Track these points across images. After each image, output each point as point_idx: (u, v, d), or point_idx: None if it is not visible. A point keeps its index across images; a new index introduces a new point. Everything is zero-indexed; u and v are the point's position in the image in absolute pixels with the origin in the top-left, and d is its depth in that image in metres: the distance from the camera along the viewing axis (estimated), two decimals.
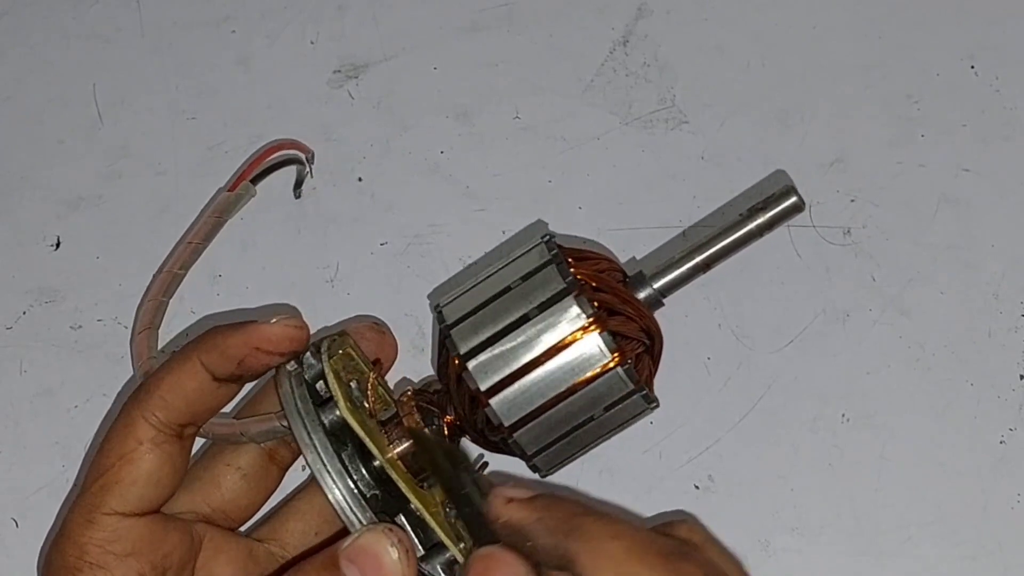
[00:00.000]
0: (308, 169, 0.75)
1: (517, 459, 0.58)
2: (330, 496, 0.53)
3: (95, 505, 0.54)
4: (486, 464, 0.60)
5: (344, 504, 0.53)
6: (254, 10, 0.81)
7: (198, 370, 0.55)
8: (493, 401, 0.54)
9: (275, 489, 0.61)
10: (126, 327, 0.74)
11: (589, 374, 0.54)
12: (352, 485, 0.53)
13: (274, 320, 0.55)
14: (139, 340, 0.67)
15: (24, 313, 0.74)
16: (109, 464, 0.55)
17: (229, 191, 0.72)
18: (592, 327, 0.54)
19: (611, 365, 0.54)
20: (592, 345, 0.54)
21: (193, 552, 0.57)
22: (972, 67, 0.77)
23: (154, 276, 0.70)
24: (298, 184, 0.75)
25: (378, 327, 0.62)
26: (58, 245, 0.76)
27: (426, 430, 0.57)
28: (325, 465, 0.53)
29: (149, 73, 0.80)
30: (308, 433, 0.53)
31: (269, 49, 0.80)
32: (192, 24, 0.81)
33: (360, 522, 0.53)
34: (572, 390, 0.54)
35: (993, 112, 0.76)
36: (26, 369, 0.73)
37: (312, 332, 0.57)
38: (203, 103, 0.79)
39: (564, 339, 0.54)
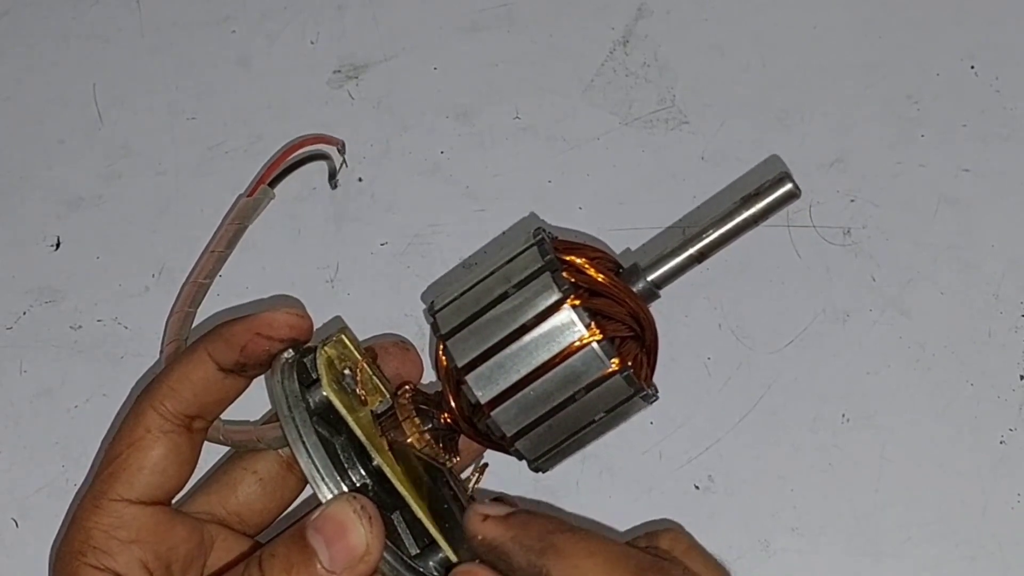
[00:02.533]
0: (343, 159, 0.75)
1: (520, 465, 0.57)
2: (305, 470, 0.53)
3: (102, 491, 0.55)
4: (486, 466, 0.60)
5: (316, 474, 0.53)
6: (254, 10, 0.81)
7: (205, 360, 0.56)
8: (494, 413, 0.54)
9: (292, 500, 0.61)
10: (126, 327, 0.74)
11: (563, 348, 0.53)
12: (328, 458, 0.53)
13: (277, 309, 0.56)
14: (168, 351, 0.67)
15: (24, 313, 0.74)
16: (118, 452, 0.56)
17: (248, 196, 0.72)
18: (566, 302, 0.53)
19: (586, 340, 0.53)
20: (566, 319, 0.53)
21: (203, 551, 0.57)
22: (972, 67, 0.77)
23: (181, 288, 0.71)
24: (332, 175, 0.75)
25: (403, 344, 0.62)
26: (58, 245, 0.76)
27: (415, 437, 0.56)
28: (301, 436, 0.53)
29: (149, 73, 0.80)
30: (289, 407, 0.54)
31: (269, 49, 0.80)
32: (192, 24, 0.81)
33: (330, 490, 0.53)
34: (548, 366, 0.53)
35: (993, 112, 0.76)
36: (26, 369, 0.73)
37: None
38: (203, 103, 0.79)
39: (538, 314, 0.53)
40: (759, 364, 0.71)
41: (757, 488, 0.69)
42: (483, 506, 0.53)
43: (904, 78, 0.77)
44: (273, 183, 0.73)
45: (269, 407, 0.66)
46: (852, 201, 0.74)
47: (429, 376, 0.68)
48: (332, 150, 0.75)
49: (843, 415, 0.70)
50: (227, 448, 0.61)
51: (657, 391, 0.56)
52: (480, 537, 0.52)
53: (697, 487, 0.69)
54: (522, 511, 0.53)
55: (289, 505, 0.62)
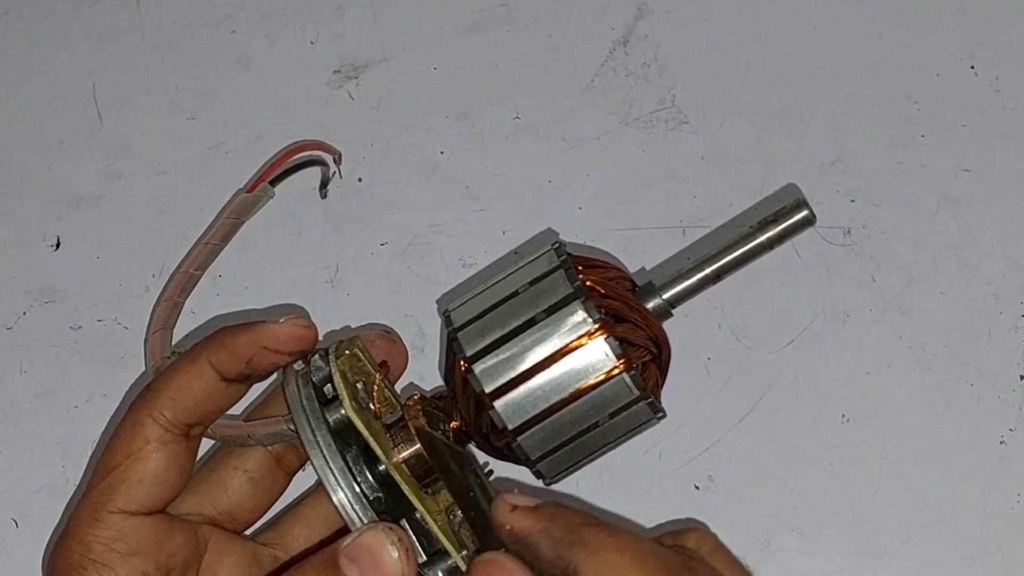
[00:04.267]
0: (337, 169, 0.75)
1: (523, 467, 0.58)
2: (332, 495, 0.53)
3: (101, 503, 0.54)
4: (491, 472, 0.60)
5: (346, 502, 0.53)
6: (254, 10, 0.81)
7: (207, 370, 0.55)
8: (497, 404, 0.54)
9: (281, 494, 0.61)
10: (126, 327, 0.74)
11: (594, 379, 0.54)
12: (355, 485, 0.53)
13: (282, 320, 0.55)
14: (153, 340, 0.67)
15: (24, 313, 0.74)
16: (116, 463, 0.55)
17: (248, 192, 0.72)
18: (598, 332, 0.54)
19: (617, 371, 0.54)
20: (598, 350, 0.54)
21: (198, 553, 0.57)
22: (972, 67, 0.77)
23: (170, 276, 0.70)
24: (323, 184, 0.75)
25: (388, 335, 0.62)
26: (58, 245, 0.76)
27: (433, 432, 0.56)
28: (328, 463, 0.53)
29: (149, 73, 0.80)
30: (312, 431, 0.53)
31: (269, 49, 0.80)
32: (192, 24, 0.81)
33: (361, 520, 0.52)
34: (577, 395, 0.54)
35: (993, 112, 0.76)
36: (26, 369, 0.73)
37: None
38: (203, 103, 0.79)
39: (570, 343, 0.54)
40: (759, 364, 0.71)
41: (757, 488, 0.69)
42: (512, 496, 0.52)
43: (904, 78, 0.77)
44: (273, 183, 0.73)
45: (255, 400, 0.66)
46: (852, 201, 0.74)
47: (426, 369, 0.68)
48: (328, 158, 0.75)
49: (843, 415, 0.70)
50: (212, 442, 0.61)
51: (662, 407, 0.57)
52: (508, 527, 0.51)
53: (697, 487, 0.69)
54: (551, 503, 0.52)
55: (278, 499, 0.61)
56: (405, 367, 0.62)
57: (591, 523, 0.50)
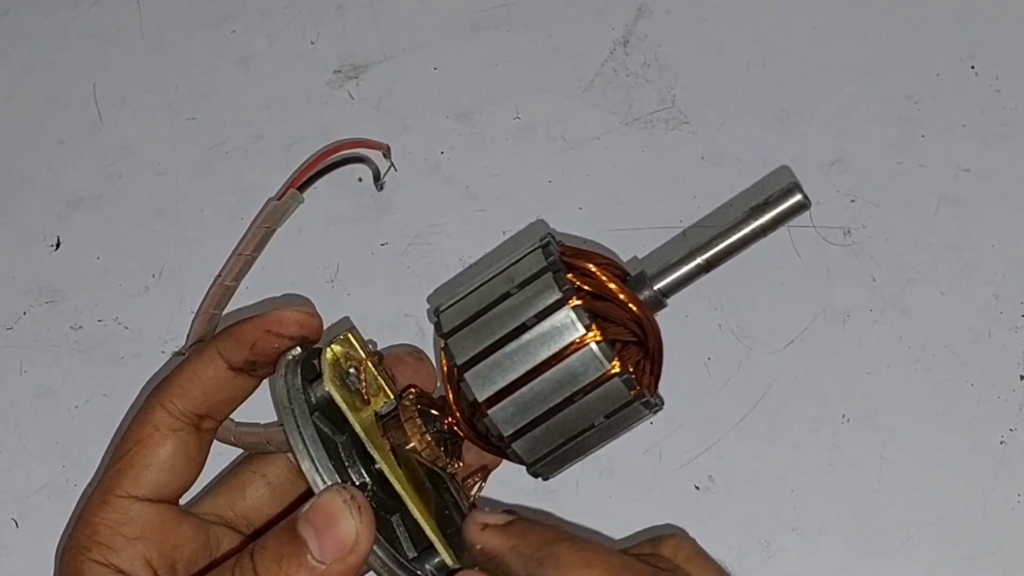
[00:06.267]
0: (390, 162, 0.75)
1: (521, 469, 0.57)
2: (298, 458, 0.53)
3: (110, 487, 0.55)
4: (489, 471, 0.60)
5: (310, 466, 0.53)
6: (254, 10, 0.81)
7: (215, 358, 0.56)
8: (491, 412, 0.54)
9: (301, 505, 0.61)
10: (126, 327, 0.74)
11: (562, 347, 0.53)
12: (325, 453, 0.53)
13: (286, 307, 0.57)
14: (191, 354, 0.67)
15: (24, 313, 0.74)
16: (126, 449, 0.56)
17: (277, 200, 0.72)
18: (567, 302, 0.53)
19: (585, 340, 0.53)
20: (565, 319, 0.53)
21: (208, 552, 0.57)
22: (972, 67, 0.77)
23: (207, 291, 0.71)
24: (376, 177, 0.75)
25: (417, 354, 0.63)
26: (58, 245, 0.76)
27: (417, 439, 0.56)
28: (298, 426, 0.53)
29: (149, 73, 0.80)
30: (289, 398, 0.54)
31: (269, 49, 0.80)
32: (192, 24, 0.81)
33: (324, 483, 0.53)
34: (546, 365, 0.53)
35: (993, 112, 0.76)
36: (26, 369, 0.73)
37: None
38: (203, 103, 0.79)
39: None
40: (759, 364, 0.71)
41: (757, 488, 0.69)
42: (483, 515, 0.53)
43: (904, 78, 0.77)
44: (302, 187, 0.73)
45: None
46: (852, 201, 0.74)
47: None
48: (377, 154, 0.74)
49: (843, 415, 0.70)
50: (238, 452, 0.62)
51: (662, 401, 0.56)
52: (479, 547, 0.52)
53: (697, 487, 0.69)
54: (521, 520, 0.53)
55: (297, 510, 0.61)
56: (434, 387, 0.62)
57: (561, 539, 0.51)
